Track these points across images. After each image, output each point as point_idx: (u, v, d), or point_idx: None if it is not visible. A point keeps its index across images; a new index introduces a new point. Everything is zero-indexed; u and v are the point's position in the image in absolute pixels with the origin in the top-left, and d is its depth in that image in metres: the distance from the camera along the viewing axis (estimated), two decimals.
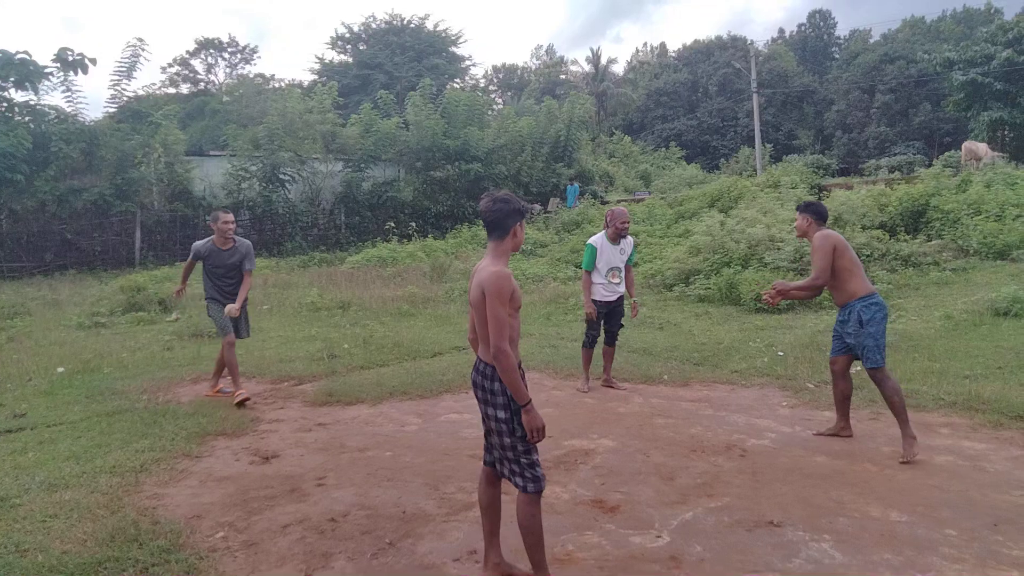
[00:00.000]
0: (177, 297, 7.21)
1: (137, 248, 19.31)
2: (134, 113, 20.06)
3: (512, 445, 2.95)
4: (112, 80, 19.67)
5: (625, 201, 23.72)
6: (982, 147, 21.27)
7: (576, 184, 24.66)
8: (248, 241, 6.46)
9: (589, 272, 6.34)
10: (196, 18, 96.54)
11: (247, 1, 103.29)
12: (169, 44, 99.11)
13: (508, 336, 2.84)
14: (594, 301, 6.36)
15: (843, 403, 4.89)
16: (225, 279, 6.31)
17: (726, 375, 6.77)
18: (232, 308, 6.18)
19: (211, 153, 24.52)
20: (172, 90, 46.33)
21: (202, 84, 48.54)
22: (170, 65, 48.08)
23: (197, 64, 49.10)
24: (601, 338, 6.55)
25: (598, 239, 6.37)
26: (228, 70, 49.93)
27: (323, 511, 3.90)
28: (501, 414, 2.94)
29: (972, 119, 29.87)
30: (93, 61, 18.23)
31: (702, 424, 5.27)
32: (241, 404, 6.02)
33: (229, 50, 49.64)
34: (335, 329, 9.85)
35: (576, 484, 4.18)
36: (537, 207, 24.08)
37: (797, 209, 5.00)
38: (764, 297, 5.01)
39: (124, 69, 19.59)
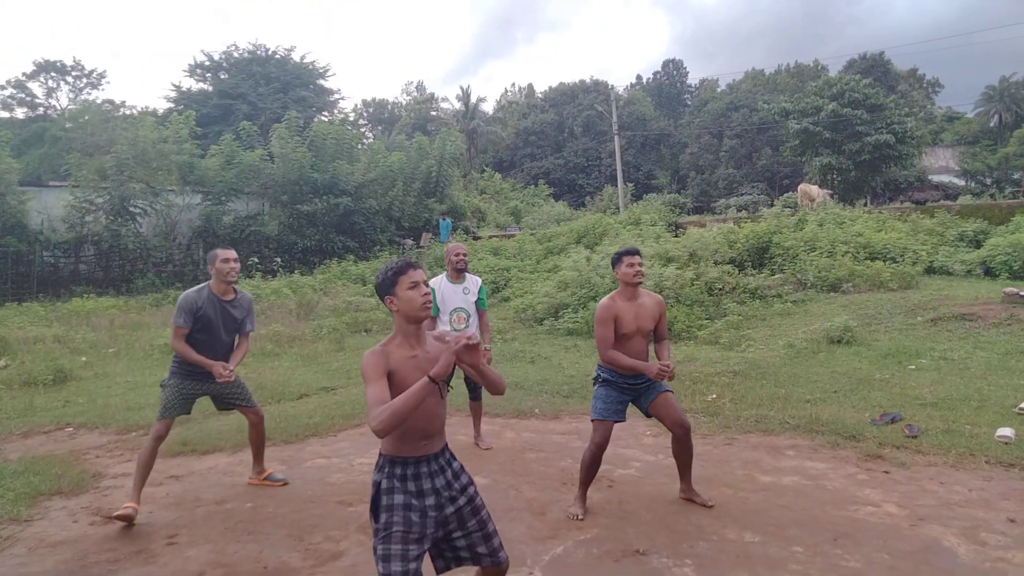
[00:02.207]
0: (227, 374, 4.55)
1: None
2: None
3: (374, 533, 2.58)
4: None
5: (496, 236, 24.10)
6: (815, 189, 23.45)
7: (448, 219, 24.82)
8: (249, 294, 4.92)
9: (433, 318, 5.56)
10: (35, 38, 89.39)
11: (96, 22, 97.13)
12: (1, 64, 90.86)
13: (374, 409, 2.40)
14: None
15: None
16: (219, 342, 4.62)
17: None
18: (228, 367, 4.56)
19: (50, 183, 22.57)
20: (5, 114, 42.40)
21: (41, 109, 44.67)
22: (2, 87, 44.01)
23: (35, 87, 45.18)
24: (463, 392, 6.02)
25: (437, 281, 5.69)
26: (72, 95, 46.21)
27: (174, 572, 3.61)
28: (371, 498, 2.62)
29: (806, 163, 33.00)
30: None
31: (572, 456, 5.36)
32: (122, 519, 4.20)
33: (73, 73, 46.02)
34: None
35: None
36: (409, 242, 23.96)
37: (636, 253, 4.33)
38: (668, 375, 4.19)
39: None
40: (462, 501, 2.68)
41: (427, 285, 2.69)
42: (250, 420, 4.91)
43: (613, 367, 4.22)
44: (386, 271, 2.69)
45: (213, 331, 4.59)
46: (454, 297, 5.67)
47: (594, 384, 4.43)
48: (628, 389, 4.31)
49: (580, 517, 4.18)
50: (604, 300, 4.30)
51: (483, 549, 2.69)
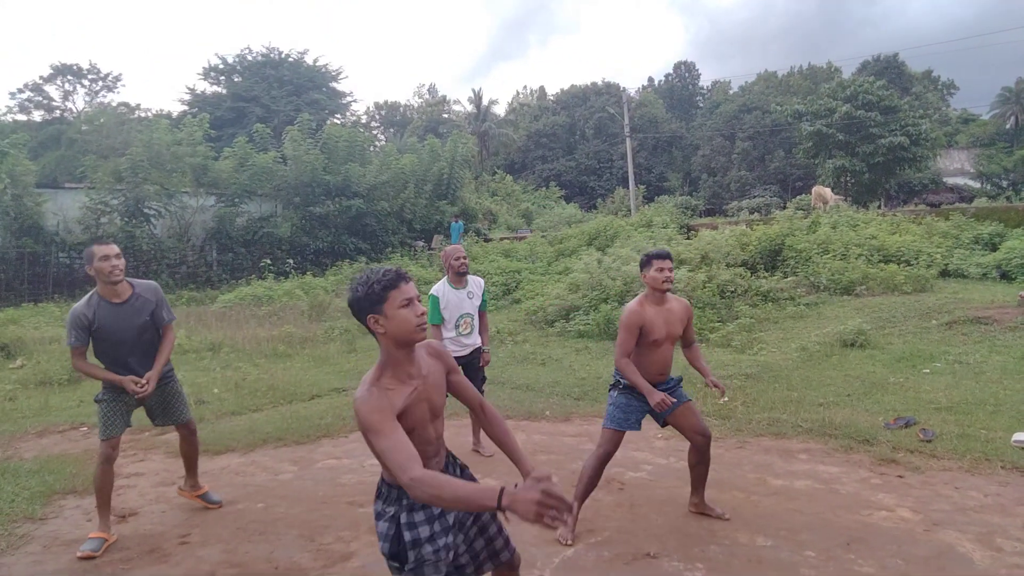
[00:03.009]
0: (140, 389, 4.00)
1: None
2: None
3: None
4: None
5: (507, 238, 24.11)
6: (828, 191, 23.28)
7: (460, 221, 24.81)
8: (152, 282, 4.36)
9: (437, 326, 5.37)
10: (52, 41, 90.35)
11: (112, 26, 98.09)
12: (19, 68, 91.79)
13: (405, 466, 2.01)
14: None
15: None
16: (134, 349, 4.09)
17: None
18: (140, 381, 3.99)
19: (66, 185, 22.82)
20: (22, 117, 42.84)
21: (57, 112, 45.14)
22: (20, 90, 44.50)
23: (52, 90, 45.68)
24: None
25: (439, 287, 5.48)
26: (88, 98, 46.70)
27: (186, 572, 3.63)
28: (382, 545, 2.27)
29: (819, 165, 32.80)
30: None
31: (583, 459, 5.31)
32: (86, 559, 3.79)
33: (89, 76, 46.52)
34: (204, 373, 9.30)
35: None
36: (421, 244, 24.01)
37: (668, 257, 4.03)
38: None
39: None
40: (468, 522, 2.43)
41: (420, 302, 2.23)
42: (181, 433, 4.49)
43: (624, 376, 3.98)
44: (369, 283, 2.17)
45: (119, 341, 4.03)
46: (461, 303, 5.45)
47: (611, 389, 4.17)
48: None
49: (568, 542, 3.86)
50: (632, 305, 4.03)
51: (489, 565, 2.47)
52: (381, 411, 2.08)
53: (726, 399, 4.05)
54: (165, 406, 4.33)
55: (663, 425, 4.19)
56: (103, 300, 4.03)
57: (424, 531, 2.20)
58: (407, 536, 2.19)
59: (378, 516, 2.27)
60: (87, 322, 3.98)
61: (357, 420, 2.12)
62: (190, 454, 4.55)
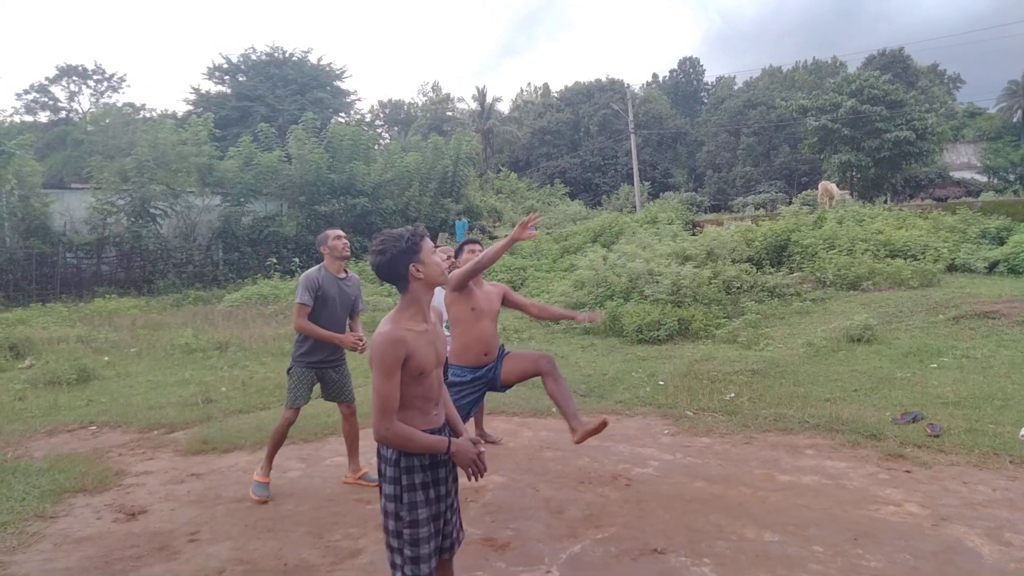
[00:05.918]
0: (361, 344, 4.77)
1: None
2: None
3: (395, 531, 2.49)
4: None
5: None
6: (834, 187, 23.17)
7: (465, 219, 24.82)
8: (357, 276, 5.14)
9: None
10: (57, 43, 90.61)
11: (116, 27, 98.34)
12: (25, 69, 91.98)
13: (391, 412, 2.39)
14: None
15: None
16: (336, 319, 4.79)
17: (611, 405, 6.94)
18: (359, 335, 4.81)
19: (73, 186, 22.92)
20: (29, 118, 42.93)
21: (63, 112, 45.27)
22: (26, 91, 44.68)
23: (58, 91, 45.80)
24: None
25: None
26: (93, 98, 46.79)
27: (196, 569, 3.65)
28: (386, 488, 2.52)
29: (825, 161, 32.63)
30: None
31: (589, 455, 5.36)
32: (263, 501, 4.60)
33: (95, 77, 46.63)
34: (211, 371, 9.33)
35: (466, 523, 4.10)
36: None
37: (479, 242, 4.81)
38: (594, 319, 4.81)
39: None
40: (451, 478, 2.69)
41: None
42: (344, 413, 4.99)
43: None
44: (403, 239, 2.49)
45: (331, 308, 4.75)
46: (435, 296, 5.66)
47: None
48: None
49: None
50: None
51: (457, 534, 2.73)
52: (394, 357, 2.38)
53: (599, 319, 4.67)
54: (341, 385, 4.93)
55: (502, 389, 4.59)
56: (328, 273, 4.79)
57: (418, 478, 2.51)
58: (404, 480, 2.50)
59: (384, 459, 2.56)
60: (316, 285, 4.68)
61: (372, 350, 2.41)
62: (352, 435, 4.98)
